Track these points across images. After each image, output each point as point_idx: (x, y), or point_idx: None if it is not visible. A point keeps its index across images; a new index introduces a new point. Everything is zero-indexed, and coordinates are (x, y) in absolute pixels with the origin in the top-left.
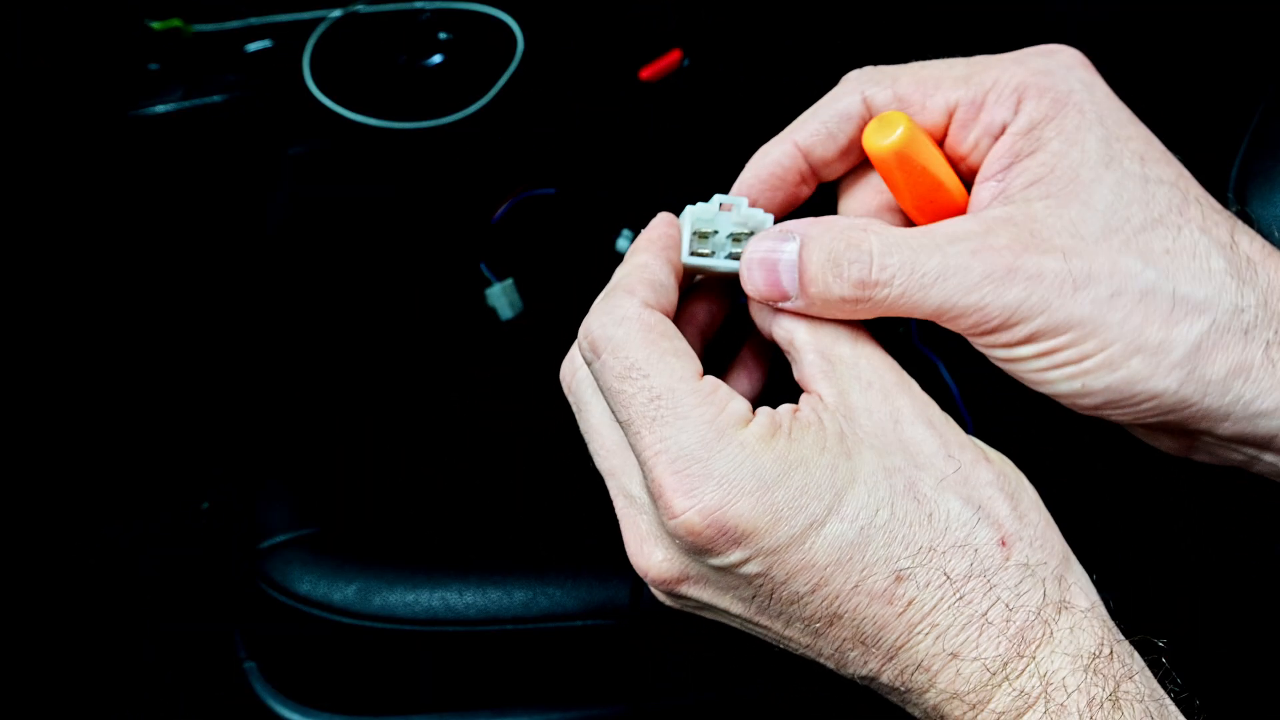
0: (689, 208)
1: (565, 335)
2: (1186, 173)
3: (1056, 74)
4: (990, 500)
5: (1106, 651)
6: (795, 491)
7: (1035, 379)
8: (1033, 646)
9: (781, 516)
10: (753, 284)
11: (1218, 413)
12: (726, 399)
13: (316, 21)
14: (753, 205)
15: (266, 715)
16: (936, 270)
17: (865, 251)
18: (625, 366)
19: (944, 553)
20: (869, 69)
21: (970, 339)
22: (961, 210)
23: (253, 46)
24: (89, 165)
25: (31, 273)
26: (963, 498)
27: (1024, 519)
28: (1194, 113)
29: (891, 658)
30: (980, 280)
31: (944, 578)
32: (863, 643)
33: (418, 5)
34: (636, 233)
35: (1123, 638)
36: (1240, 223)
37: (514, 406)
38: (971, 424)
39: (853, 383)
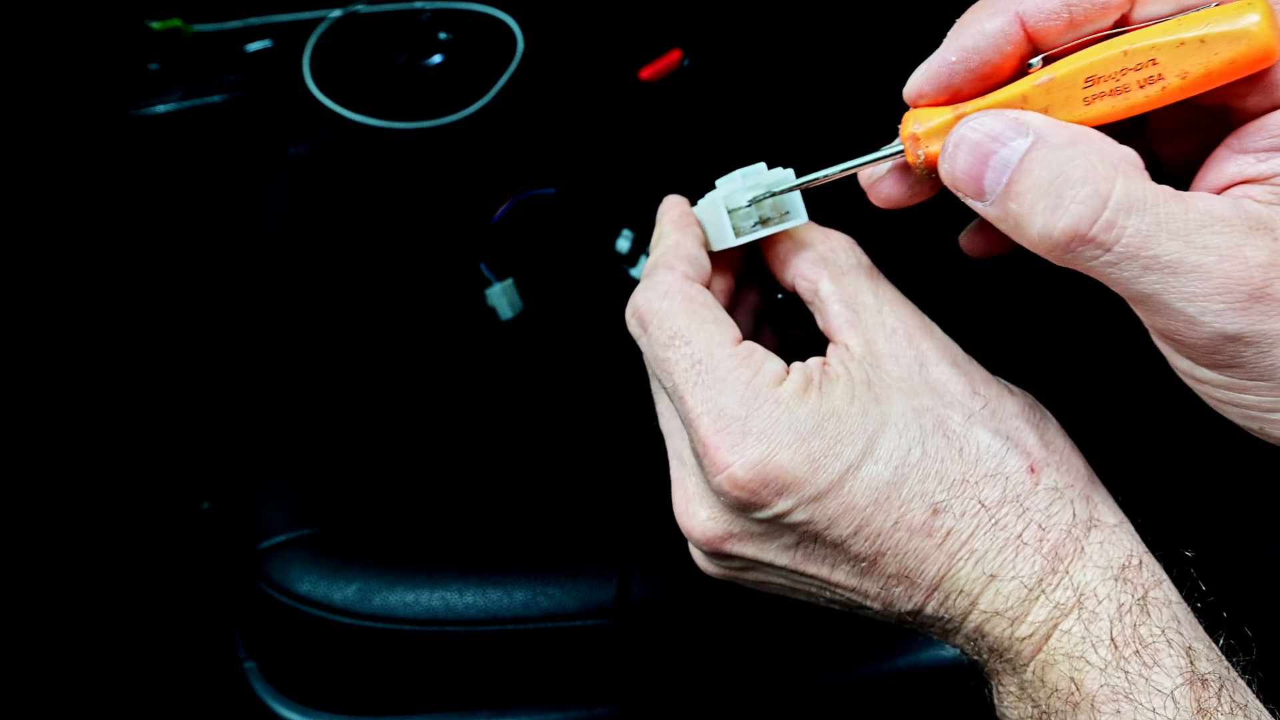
0: (711, 194)
1: (565, 335)
2: None
3: None
4: (1017, 431)
5: (1136, 562)
6: (830, 440)
7: (1207, 396)
8: (1065, 562)
9: (819, 464)
10: (950, 166)
11: None
12: (763, 360)
13: (316, 21)
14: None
15: (266, 715)
16: (1171, 262)
17: (1103, 195)
18: (669, 335)
19: (977, 483)
20: None
21: (1152, 332)
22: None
23: (253, 46)
24: (89, 165)
25: (31, 273)
26: (991, 430)
27: (1050, 446)
28: None
29: (935, 588)
30: (1213, 291)
31: (979, 506)
32: (907, 577)
33: (418, 5)
34: (636, 233)
35: (1148, 551)
36: None
37: (514, 406)
38: None
39: (877, 330)
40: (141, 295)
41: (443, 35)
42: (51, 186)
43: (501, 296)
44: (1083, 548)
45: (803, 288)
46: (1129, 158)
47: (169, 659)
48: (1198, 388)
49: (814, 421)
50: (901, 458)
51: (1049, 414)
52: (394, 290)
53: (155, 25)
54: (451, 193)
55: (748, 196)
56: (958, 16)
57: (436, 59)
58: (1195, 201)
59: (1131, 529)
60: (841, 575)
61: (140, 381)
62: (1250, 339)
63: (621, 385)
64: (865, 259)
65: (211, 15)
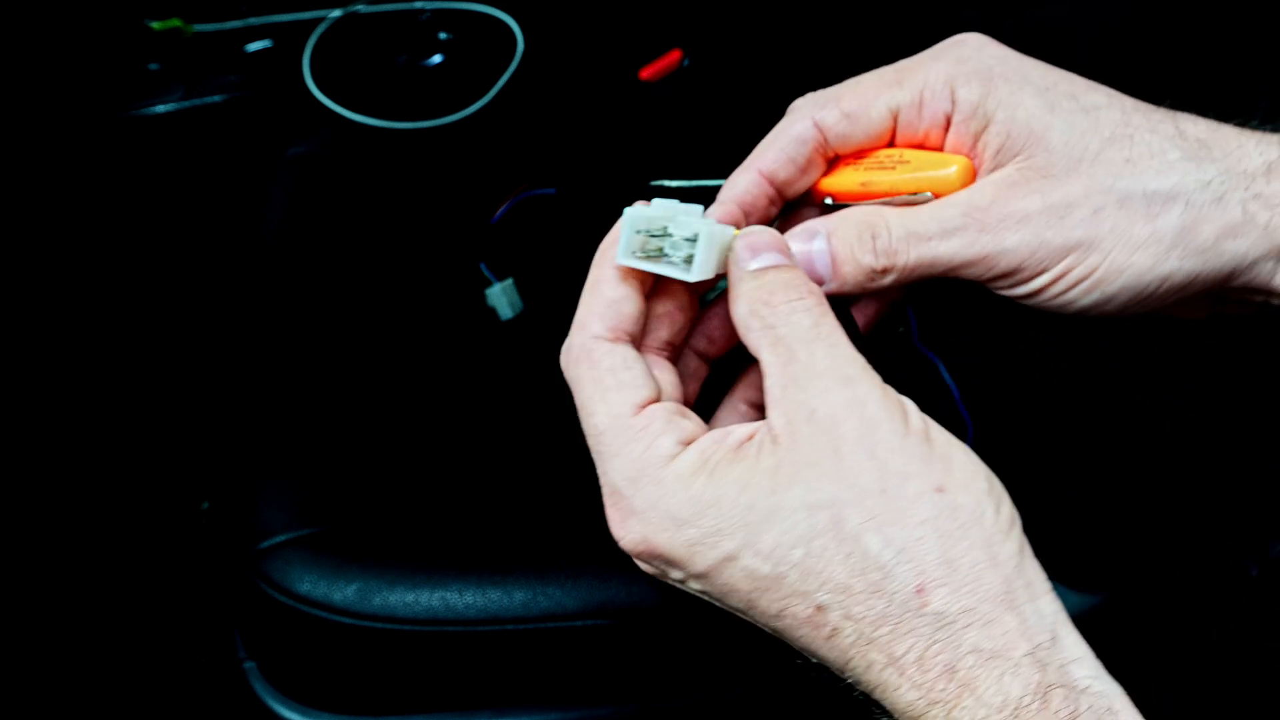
0: (629, 209)
1: (565, 335)
2: (1115, 92)
3: (972, 58)
4: (917, 542)
5: (1038, 698)
6: (707, 530)
7: (1060, 304)
8: (949, 699)
9: (696, 551)
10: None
11: (1221, 272)
12: (657, 434)
13: (316, 21)
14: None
15: (266, 715)
16: (938, 231)
17: (884, 227)
18: (579, 402)
19: (858, 594)
20: (811, 95)
21: (992, 288)
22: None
23: (253, 46)
24: (88, 165)
25: (31, 273)
26: (884, 538)
27: (953, 563)
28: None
29: (837, 668)
30: (978, 234)
31: (859, 618)
32: (810, 651)
33: (418, 5)
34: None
35: (1075, 676)
36: (1181, 114)
37: (514, 406)
38: (971, 425)
39: (799, 410)
40: (142, 295)
41: (443, 35)
42: (51, 186)
43: (501, 296)
44: (974, 684)
45: (751, 347)
46: (880, 208)
47: (169, 659)
48: (1050, 303)
49: (692, 510)
50: (782, 555)
51: (989, 513)
52: (394, 290)
53: (155, 25)
54: (451, 193)
55: (644, 227)
56: (957, 18)
57: (436, 59)
58: (936, 202)
59: (1054, 654)
60: (754, 624)
61: (140, 382)
62: (1028, 246)
63: None
64: (811, 304)
65: (211, 15)
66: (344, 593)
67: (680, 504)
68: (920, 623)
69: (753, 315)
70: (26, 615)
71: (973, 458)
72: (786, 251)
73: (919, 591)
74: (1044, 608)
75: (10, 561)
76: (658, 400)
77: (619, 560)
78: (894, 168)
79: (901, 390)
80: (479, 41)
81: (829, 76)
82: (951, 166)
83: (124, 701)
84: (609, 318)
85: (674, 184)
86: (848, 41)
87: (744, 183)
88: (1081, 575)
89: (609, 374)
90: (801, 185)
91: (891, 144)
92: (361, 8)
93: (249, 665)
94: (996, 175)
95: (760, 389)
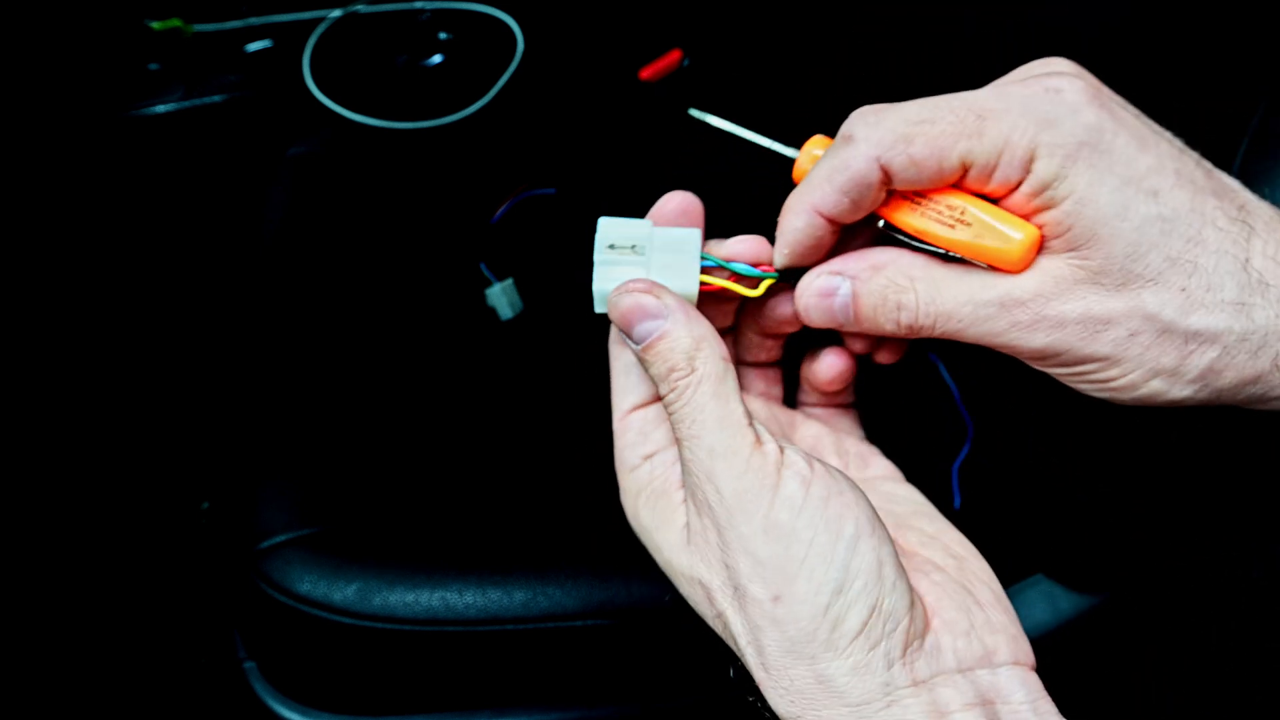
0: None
1: (565, 335)
2: (1203, 184)
3: (1065, 123)
4: (758, 638)
5: None
6: (647, 541)
7: (1066, 383)
8: None
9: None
10: (811, 317)
11: (1233, 400)
12: (629, 443)
13: (316, 21)
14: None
15: (266, 715)
16: (970, 319)
17: (910, 299)
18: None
19: (743, 651)
20: (875, 118)
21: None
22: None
23: (253, 46)
24: (88, 165)
25: (30, 273)
26: (739, 628)
27: (769, 669)
28: (1194, 112)
29: None
30: (1008, 328)
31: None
32: None
33: (418, 5)
34: None
35: None
36: (1256, 231)
37: (514, 406)
38: (971, 425)
39: (690, 480)
40: (141, 296)
41: (443, 35)
42: (51, 186)
43: (501, 296)
44: None
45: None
46: (913, 265)
47: (169, 659)
48: (1062, 379)
49: (634, 522)
50: (687, 593)
51: (814, 634)
52: (394, 290)
53: (155, 25)
54: (451, 193)
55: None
56: (957, 18)
57: (436, 59)
58: (974, 275)
59: None
60: None
61: (140, 382)
62: (1054, 349)
63: None
64: (686, 387)
65: (211, 15)
66: (344, 593)
67: (631, 513)
68: (768, 710)
69: (660, 385)
70: (27, 615)
71: (831, 558)
72: (658, 309)
73: (760, 684)
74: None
75: (10, 561)
76: (648, 405)
77: (619, 560)
78: (953, 226)
79: (902, 390)
80: (479, 41)
81: (829, 76)
82: (1014, 241)
83: (124, 701)
84: (615, 331)
85: (713, 120)
86: (848, 41)
87: (803, 225)
88: (1082, 575)
89: (617, 375)
90: (864, 214)
91: (958, 185)
92: (361, 8)
93: (249, 665)
94: (1046, 262)
95: (807, 378)
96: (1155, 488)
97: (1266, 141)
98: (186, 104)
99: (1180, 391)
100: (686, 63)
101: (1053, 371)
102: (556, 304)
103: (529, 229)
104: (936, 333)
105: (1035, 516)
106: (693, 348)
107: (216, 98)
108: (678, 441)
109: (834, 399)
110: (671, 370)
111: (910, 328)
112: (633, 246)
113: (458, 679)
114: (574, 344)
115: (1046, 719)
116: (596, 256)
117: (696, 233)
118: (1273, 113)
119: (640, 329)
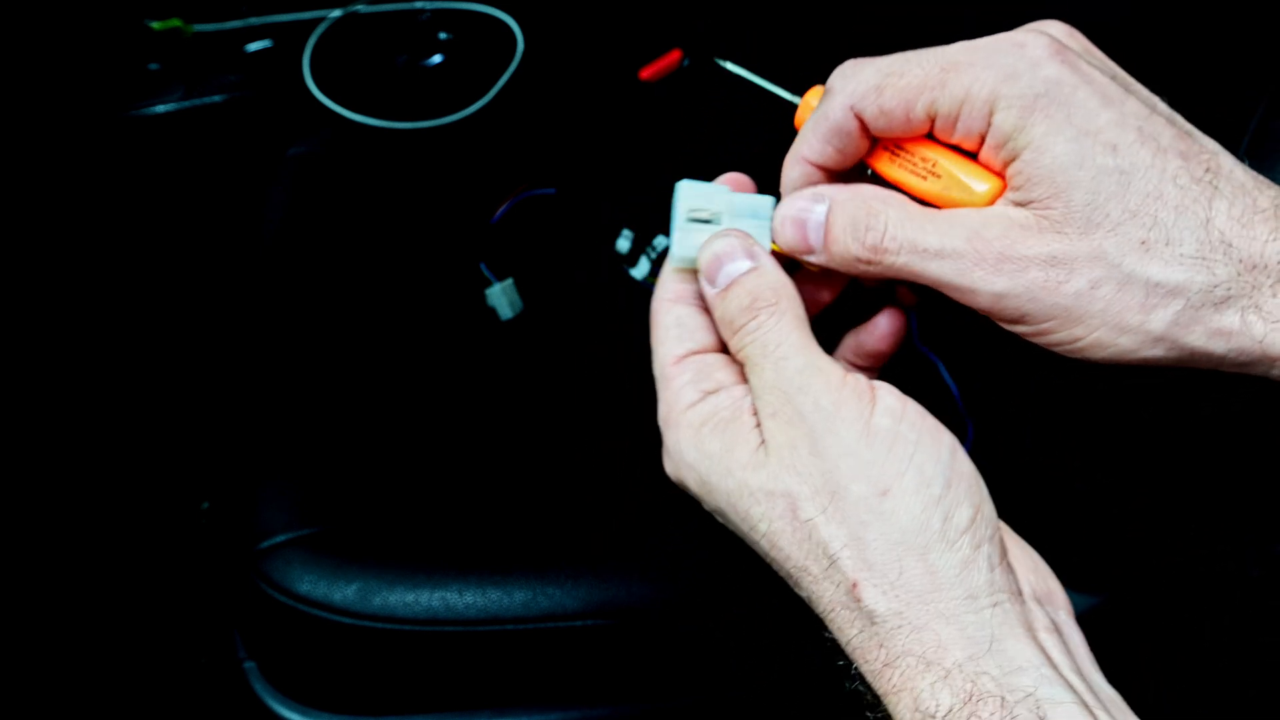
0: (682, 184)
1: (565, 335)
2: (1168, 143)
3: (1024, 76)
4: (856, 541)
5: (967, 708)
6: (704, 477)
7: (1040, 343)
8: (893, 693)
9: (704, 493)
10: (784, 237)
11: (1207, 361)
12: (685, 383)
13: (316, 21)
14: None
15: (266, 715)
16: (935, 249)
17: (881, 221)
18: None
19: (814, 575)
20: (853, 70)
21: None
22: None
23: (253, 46)
24: (88, 165)
25: (30, 273)
26: (830, 533)
27: (884, 566)
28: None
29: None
30: (971, 266)
31: (815, 598)
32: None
33: (418, 5)
34: (636, 233)
35: (1015, 686)
36: (1221, 192)
37: (514, 406)
38: (971, 426)
39: (768, 407)
40: (141, 296)
41: (443, 35)
42: (51, 186)
43: (501, 296)
44: (912, 686)
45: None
46: (893, 195)
47: (169, 659)
48: (1030, 338)
49: (695, 455)
50: (752, 525)
51: (926, 525)
52: (394, 290)
53: (155, 25)
54: (451, 193)
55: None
56: (957, 17)
57: (436, 59)
58: (949, 211)
59: (1000, 658)
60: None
61: (140, 382)
62: (1015, 296)
63: (621, 385)
64: (766, 319)
65: (211, 15)
66: (344, 593)
67: (689, 448)
68: (856, 616)
69: (727, 335)
70: (27, 615)
71: (938, 458)
72: (750, 252)
73: (854, 586)
74: (989, 618)
75: (11, 561)
76: (705, 353)
77: (619, 560)
78: (925, 177)
79: (902, 390)
80: (479, 41)
81: (828, 76)
82: (977, 194)
83: (124, 701)
84: (669, 289)
85: (739, 70)
86: (848, 41)
87: (798, 175)
88: (1082, 575)
89: (661, 329)
90: (852, 162)
91: (931, 134)
92: (361, 8)
93: (249, 665)
94: (1013, 211)
95: (859, 341)
96: (1153, 483)
97: (1266, 141)
98: (186, 104)
99: (1149, 350)
100: (686, 63)
101: (1021, 330)
102: (556, 304)
103: (529, 229)
104: (900, 263)
105: (1035, 517)
106: (780, 285)
107: (216, 98)
108: (754, 369)
109: (881, 361)
110: (755, 299)
111: (875, 248)
112: (708, 211)
113: (458, 679)
114: (574, 344)
115: (1096, 673)
116: (678, 210)
117: (770, 200)
118: (1273, 113)
119: (731, 266)
